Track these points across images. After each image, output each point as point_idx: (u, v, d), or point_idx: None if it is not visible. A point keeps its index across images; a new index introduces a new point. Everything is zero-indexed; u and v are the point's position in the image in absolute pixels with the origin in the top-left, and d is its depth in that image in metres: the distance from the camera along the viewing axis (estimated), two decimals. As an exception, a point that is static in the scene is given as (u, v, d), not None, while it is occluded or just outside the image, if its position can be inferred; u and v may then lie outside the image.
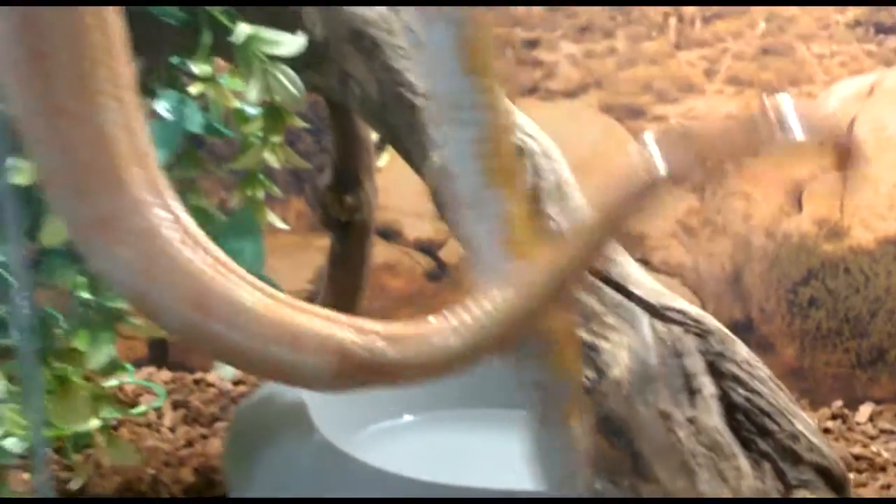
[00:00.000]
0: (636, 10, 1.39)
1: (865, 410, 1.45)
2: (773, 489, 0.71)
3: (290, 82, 0.90)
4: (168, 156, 0.81)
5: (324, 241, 1.35)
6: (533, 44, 1.42)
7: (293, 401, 1.08)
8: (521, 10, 1.41)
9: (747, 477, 0.71)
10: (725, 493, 0.70)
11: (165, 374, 1.57)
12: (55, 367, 0.91)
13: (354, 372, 0.50)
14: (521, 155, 0.85)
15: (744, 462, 0.72)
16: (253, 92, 0.87)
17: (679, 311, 0.79)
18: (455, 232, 0.66)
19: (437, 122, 0.91)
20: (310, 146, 1.43)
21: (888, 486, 1.20)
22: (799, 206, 1.43)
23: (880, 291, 1.43)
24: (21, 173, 0.83)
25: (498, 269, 0.60)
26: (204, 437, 1.34)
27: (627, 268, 0.83)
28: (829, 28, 1.37)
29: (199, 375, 1.57)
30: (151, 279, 0.46)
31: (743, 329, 1.45)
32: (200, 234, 0.47)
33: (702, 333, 0.78)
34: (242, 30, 0.86)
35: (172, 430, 1.37)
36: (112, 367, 0.92)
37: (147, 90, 0.89)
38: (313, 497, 0.96)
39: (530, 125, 0.88)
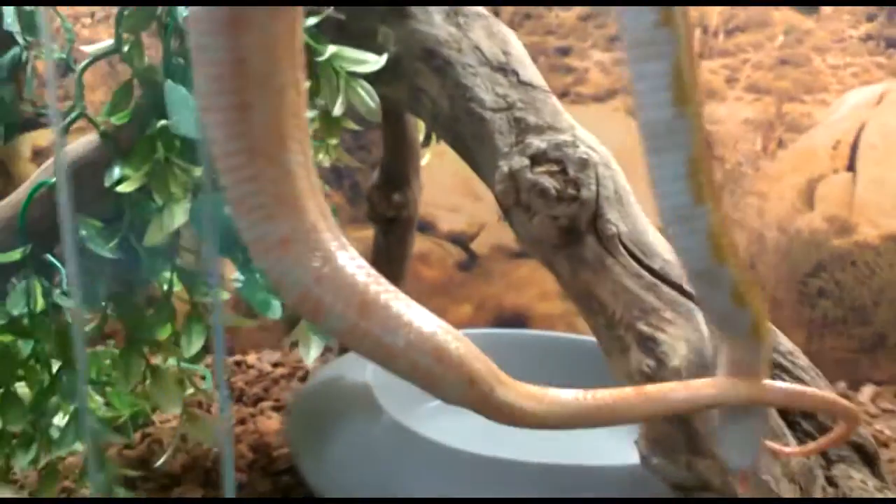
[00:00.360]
0: None
1: (867, 391, 1.50)
2: (816, 465, 0.78)
3: (368, 95, 0.96)
4: None
5: (361, 233, 1.40)
6: (565, 52, 1.46)
7: (358, 383, 1.13)
8: (554, 19, 1.44)
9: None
10: (776, 470, 0.77)
11: (207, 359, 1.64)
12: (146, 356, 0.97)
13: (476, 397, 0.57)
14: (585, 166, 0.92)
15: (792, 441, 0.78)
16: (337, 105, 0.93)
17: None
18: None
19: (503, 133, 0.98)
20: (350, 143, 1.48)
21: (891, 461, 1.25)
22: (811, 204, 1.48)
23: (883, 283, 1.48)
24: (128, 183, 0.90)
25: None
26: (252, 415, 1.38)
27: (680, 268, 0.90)
28: (843, 41, 1.41)
29: (238, 358, 1.61)
30: (323, 289, 0.53)
31: None
32: (356, 254, 0.55)
33: None
34: (328, 49, 0.92)
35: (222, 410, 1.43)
36: (200, 356, 0.99)
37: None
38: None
39: (591, 138, 0.93)
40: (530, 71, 0.97)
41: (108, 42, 0.99)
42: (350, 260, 0.54)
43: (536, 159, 0.89)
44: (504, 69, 0.95)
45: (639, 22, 0.52)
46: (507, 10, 1.41)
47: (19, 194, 0.95)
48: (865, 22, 1.40)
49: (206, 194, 0.84)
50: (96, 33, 1.53)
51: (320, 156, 1.11)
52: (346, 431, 1.05)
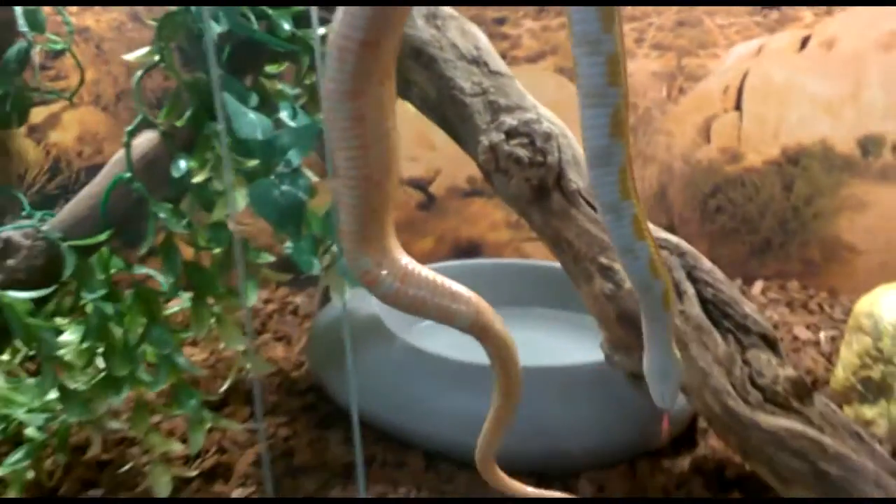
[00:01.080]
0: None
1: (758, 286, 1.73)
2: (735, 350, 1.01)
3: None
4: (308, 153, 1.06)
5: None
6: (500, 21, 1.62)
7: (367, 314, 1.32)
8: None
9: (720, 345, 1.00)
10: (708, 358, 0.99)
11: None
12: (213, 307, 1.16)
13: (480, 325, 0.79)
14: (549, 138, 1.13)
15: (717, 335, 1.00)
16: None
17: (666, 241, 1.07)
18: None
19: (481, 114, 1.17)
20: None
21: (782, 339, 1.49)
22: (707, 138, 1.69)
23: (767, 199, 1.69)
24: (199, 174, 1.08)
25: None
26: (258, 347, 1.57)
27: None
28: (728, 5, 1.60)
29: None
30: (380, 267, 0.74)
31: (669, 230, 1.69)
32: (414, 264, 0.75)
33: (681, 254, 1.05)
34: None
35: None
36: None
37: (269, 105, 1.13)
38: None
39: (550, 114, 1.13)
40: (497, 61, 1.16)
41: (144, 49, 1.14)
42: (399, 252, 0.75)
43: (510, 134, 1.09)
44: (477, 61, 1.14)
45: (587, 25, 0.64)
46: None
47: (94, 187, 1.12)
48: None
49: (263, 181, 1.03)
50: (83, 20, 1.65)
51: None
52: (365, 353, 1.23)
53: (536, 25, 1.61)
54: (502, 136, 1.09)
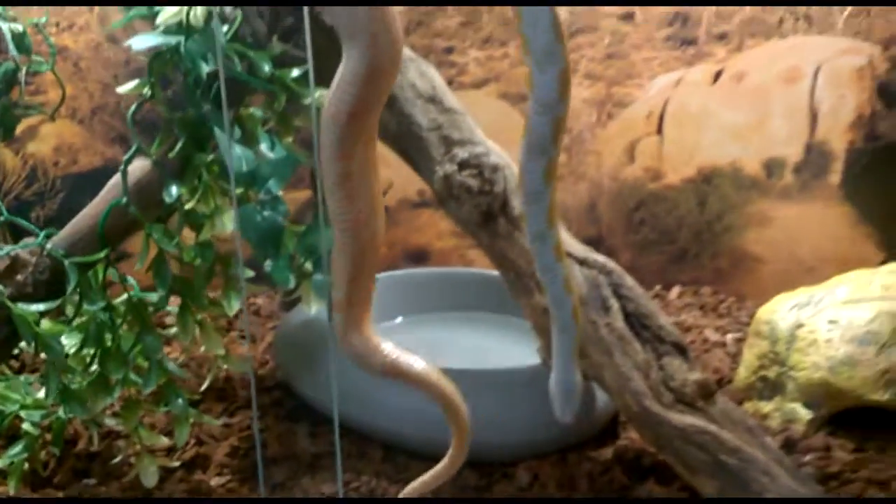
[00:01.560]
0: None
1: (675, 291, 1.87)
2: (652, 357, 1.15)
3: None
4: (284, 185, 1.18)
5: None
6: (449, 50, 1.74)
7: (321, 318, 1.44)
8: (440, 25, 1.71)
9: (639, 353, 1.13)
10: (629, 364, 1.14)
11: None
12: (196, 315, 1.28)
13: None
14: (496, 170, 1.26)
15: (636, 344, 1.14)
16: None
17: (595, 260, 1.20)
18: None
19: (436, 146, 1.30)
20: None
21: (693, 341, 1.63)
22: (632, 158, 1.82)
23: (684, 213, 1.84)
24: (189, 200, 1.20)
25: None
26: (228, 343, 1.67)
27: (565, 236, 1.26)
28: (651, 41, 1.74)
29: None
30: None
31: (597, 241, 1.86)
32: (385, 344, 0.88)
33: (608, 273, 1.19)
34: (317, 92, 1.22)
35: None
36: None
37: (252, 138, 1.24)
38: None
39: (496, 148, 1.26)
40: (451, 99, 1.29)
41: (134, 82, 1.24)
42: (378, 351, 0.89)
43: (462, 165, 1.23)
44: (433, 100, 1.27)
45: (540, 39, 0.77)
46: (403, 19, 1.70)
47: (92, 208, 1.23)
48: (666, 26, 1.73)
49: (246, 206, 1.15)
50: (62, 40, 1.74)
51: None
52: (328, 353, 1.36)
53: (482, 55, 1.74)
54: (455, 168, 1.23)
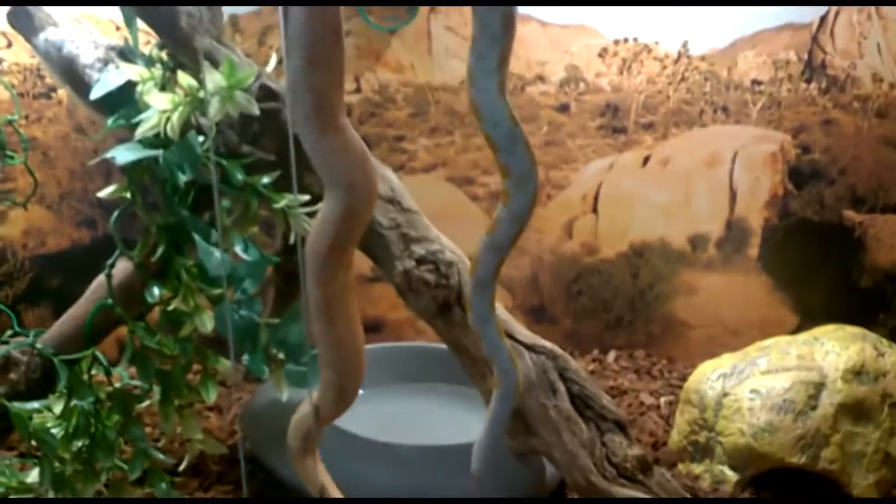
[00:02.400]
0: (469, 117, 1.84)
1: (612, 355, 1.98)
2: (595, 435, 1.26)
3: (303, 222, 1.35)
4: (258, 285, 1.26)
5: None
6: (400, 138, 1.84)
7: (299, 399, 1.51)
8: (391, 116, 1.81)
9: (584, 431, 1.23)
10: (575, 442, 1.24)
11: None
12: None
13: None
14: (451, 265, 1.35)
15: (582, 424, 1.24)
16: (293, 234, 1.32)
17: (542, 346, 1.30)
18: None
19: (395, 243, 1.39)
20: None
21: (630, 405, 1.74)
22: (570, 235, 1.93)
23: (619, 284, 1.95)
24: (171, 301, 1.27)
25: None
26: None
27: (513, 324, 1.35)
28: (585, 129, 1.85)
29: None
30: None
31: (539, 310, 1.97)
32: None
33: (554, 358, 1.29)
34: (283, 200, 1.30)
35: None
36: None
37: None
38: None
39: (450, 243, 1.35)
40: (408, 200, 1.37)
41: (113, 187, 1.31)
42: None
43: (420, 261, 1.32)
44: (392, 201, 1.36)
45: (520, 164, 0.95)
46: (356, 112, 1.79)
47: (78, 308, 1.30)
48: (599, 116, 1.85)
49: (223, 306, 1.23)
50: (32, 131, 1.80)
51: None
52: None
53: (430, 142, 1.84)
54: (413, 263, 1.31)
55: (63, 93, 1.76)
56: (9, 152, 1.59)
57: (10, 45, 1.74)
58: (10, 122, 1.58)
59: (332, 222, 0.91)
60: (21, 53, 1.73)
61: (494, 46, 0.88)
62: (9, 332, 1.56)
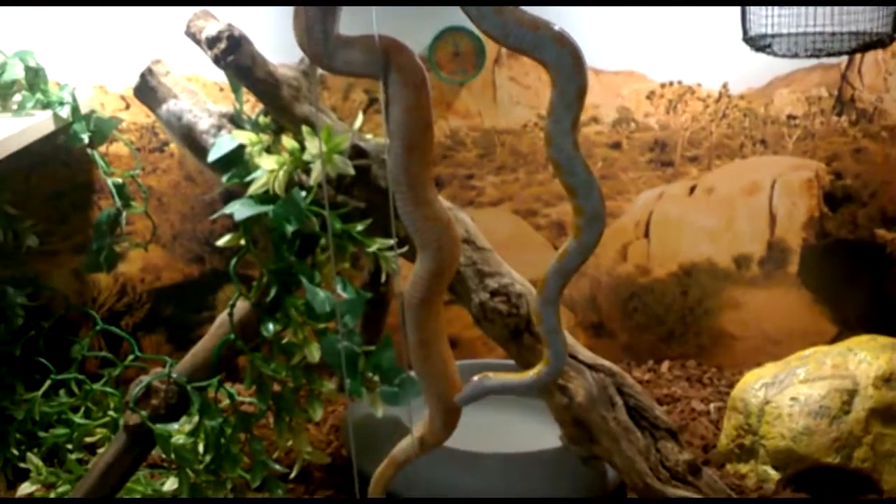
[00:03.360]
0: (530, 155, 1.97)
1: (665, 365, 2.09)
2: (650, 443, 1.41)
3: (390, 261, 1.51)
4: (356, 319, 1.42)
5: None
6: (470, 177, 1.99)
7: (391, 415, 1.63)
8: (461, 157, 1.96)
9: (640, 440, 1.37)
10: (633, 450, 1.39)
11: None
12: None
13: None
14: (520, 296, 1.51)
15: (638, 433, 1.38)
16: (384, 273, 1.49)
17: (602, 365, 1.44)
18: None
19: (472, 279, 1.55)
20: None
21: (682, 411, 1.87)
22: (625, 258, 2.06)
23: (670, 301, 2.07)
24: (286, 334, 1.45)
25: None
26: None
27: (576, 346, 1.49)
28: (636, 164, 1.98)
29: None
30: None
31: (598, 326, 2.09)
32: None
33: (612, 374, 1.43)
34: (376, 244, 1.46)
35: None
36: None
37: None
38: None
39: (519, 276, 1.49)
40: (481, 239, 1.51)
41: (230, 235, 1.49)
42: None
43: (493, 293, 1.46)
44: (468, 241, 1.50)
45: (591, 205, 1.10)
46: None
47: (205, 342, 1.48)
48: (648, 152, 1.98)
49: (328, 337, 1.40)
50: (147, 180, 2.00)
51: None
52: (389, 443, 1.60)
53: (497, 179, 2.00)
54: (488, 296, 1.46)
55: (174, 146, 1.96)
56: (133, 203, 1.81)
57: (128, 106, 1.94)
58: (131, 176, 1.80)
59: (423, 279, 1.08)
60: (137, 114, 1.92)
61: (569, 111, 1.02)
62: (131, 357, 1.78)
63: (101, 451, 1.58)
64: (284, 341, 1.43)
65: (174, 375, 1.44)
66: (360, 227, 1.46)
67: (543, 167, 2.00)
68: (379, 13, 1.03)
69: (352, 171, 1.42)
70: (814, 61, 1.87)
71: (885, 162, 1.99)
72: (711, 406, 1.90)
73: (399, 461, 1.28)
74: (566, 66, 0.99)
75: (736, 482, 1.62)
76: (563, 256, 1.16)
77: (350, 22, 1.03)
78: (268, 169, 1.45)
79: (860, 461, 1.57)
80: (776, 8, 1.44)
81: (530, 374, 1.23)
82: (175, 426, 1.39)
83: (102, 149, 1.85)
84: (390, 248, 1.46)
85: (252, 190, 1.45)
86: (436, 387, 1.13)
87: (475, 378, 1.20)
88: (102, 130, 1.80)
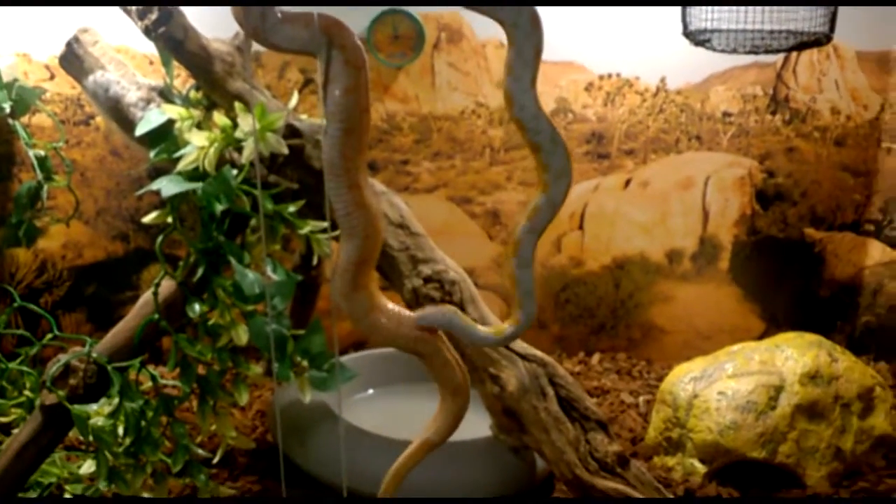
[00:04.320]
0: (467, 143, 1.97)
1: (596, 357, 2.11)
2: (580, 433, 1.41)
3: (323, 244, 1.48)
4: (286, 302, 1.39)
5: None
6: (405, 162, 1.97)
7: (317, 400, 1.58)
8: (397, 142, 1.94)
9: (570, 430, 1.38)
10: (563, 440, 1.39)
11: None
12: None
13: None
14: (454, 283, 1.50)
15: (568, 424, 1.39)
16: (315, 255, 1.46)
17: (534, 355, 1.45)
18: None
19: (405, 264, 1.53)
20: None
21: (612, 403, 1.88)
22: (559, 249, 2.07)
23: (602, 294, 2.09)
24: (211, 315, 1.42)
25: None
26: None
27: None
28: (573, 155, 1.91)
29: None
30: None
31: None
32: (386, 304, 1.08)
33: (544, 365, 1.44)
34: (307, 226, 1.44)
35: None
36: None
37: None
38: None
39: (453, 263, 1.48)
40: (416, 225, 1.50)
41: (156, 213, 1.45)
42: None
43: (426, 280, 1.46)
44: (401, 226, 1.49)
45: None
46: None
47: (127, 322, 1.43)
48: (585, 143, 1.99)
49: (257, 319, 1.37)
50: (71, 154, 1.93)
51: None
52: (317, 430, 1.57)
53: (432, 166, 1.98)
54: (421, 282, 1.46)
55: (100, 119, 1.90)
56: (56, 177, 1.74)
57: (52, 77, 1.87)
58: (54, 148, 1.73)
59: (348, 271, 1.05)
60: (63, 84, 1.86)
61: (528, 68, 0.99)
62: (49, 336, 1.72)
63: (15, 431, 1.52)
64: (211, 323, 1.39)
65: (94, 355, 1.39)
66: (292, 209, 1.43)
67: (480, 155, 2.00)
68: (312, -6, 1.00)
69: (285, 151, 1.38)
70: (750, 59, 1.89)
71: (817, 162, 2.02)
72: (640, 399, 1.91)
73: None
74: (524, 23, 0.98)
75: (663, 475, 1.63)
76: (533, 214, 1.11)
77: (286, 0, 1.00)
78: (198, 145, 1.41)
79: (785, 456, 1.60)
80: (717, 4, 1.44)
81: (492, 332, 1.18)
82: (94, 407, 1.34)
83: (24, 119, 1.77)
84: (323, 231, 1.44)
85: (181, 166, 1.41)
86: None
87: (446, 308, 1.16)
88: (25, 100, 1.72)
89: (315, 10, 0.98)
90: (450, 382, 1.13)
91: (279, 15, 0.96)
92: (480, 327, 1.16)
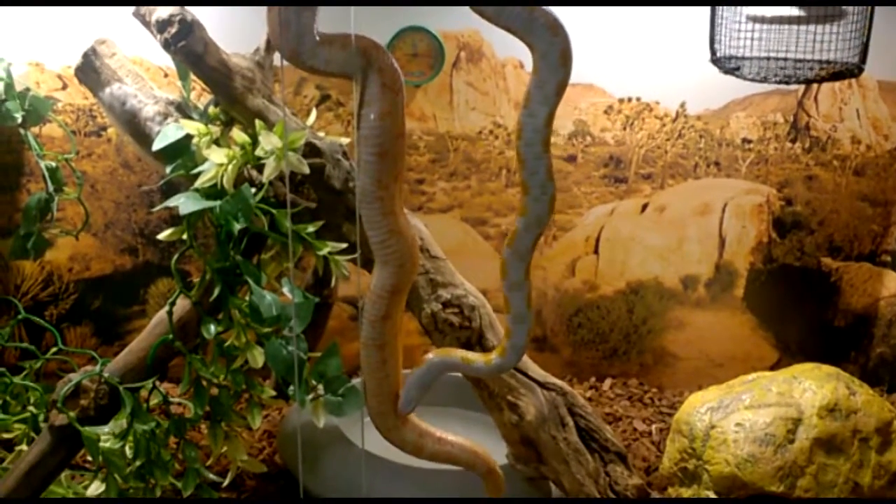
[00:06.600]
0: (484, 163, 1.93)
1: (608, 382, 2.08)
2: (599, 465, 1.39)
3: (340, 266, 1.45)
4: (305, 325, 1.36)
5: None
6: (421, 181, 1.94)
7: (330, 424, 1.54)
8: (413, 161, 1.91)
9: (590, 462, 1.37)
10: (582, 472, 1.37)
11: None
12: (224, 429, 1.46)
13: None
14: (473, 309, 1.46)
15: (588, 455, 1.38)
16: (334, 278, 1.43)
17: (553, 384, 1.43)
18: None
19: (424, 288, 1.50)
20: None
21: (625, 431, 1.85)
22: (573, 273, 2.04)
23: (615, 319, 2.06)
24: (228, 336, 1.38)
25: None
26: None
27: (528, 363, 1.47)
28: (590, 178, 1.96)
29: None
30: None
31: (542, 340, 2.07)
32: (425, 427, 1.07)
33: (564, 394, 1.42)
34: (326, 248, 1.40)
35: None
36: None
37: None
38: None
39: (472, 288, 1.44)
40: (435, 248, 1.48)
41: (171, 230, 1.42)
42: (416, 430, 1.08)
43: (445, 304, 1.43)
44: (422, 249, 1.46)
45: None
46: None
47: (140, 342, 1.40)
48: (603, 167, 1.96)
49: (273, 342, 1.34)
50: (81, 165, 1.90)
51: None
52: (330, 455, 1.54)
53: (448, 186, 1.96)
54: (440, 306, 1.43)
55: (112, 131, 1.87)
56: (67, 189, 1.71)
57: (65, 87, 1.84)
58: (65, 160, 1.70)
59: (383, 297, 1.03)
60: (75, 94, 1.83)
61: (545, 106, 0.95)
62: (53, 349, 1.69)
63: (19, 448, 1.49)
64: (226, 344, 1.36)
65: (106, 375, 1.36)
66: (311, 229, 1.40)
67: (496, 176, 1.97)
68: (334, 11, 0.97)
69: (307, 170, 1.36)
70: (772, 87, 1.87)
71: (836, 191, 2.00)
72: (653, 427, 1.88)
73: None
74: (553, 56, 0.94)
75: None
76: (513, 239, 1.06)
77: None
78: (216, 162, 1.38)
79: (803, 490, 1.57)
80: (748, 30, 1.41)
81: (481, 361, 1.14)
82: (105, 429, 1.31)
83: (35, 129, 1.75)
84: (341, 252, 1.41)
85: (199, 183, 1.38)
86: (384, 405, 1.07)
87: (430, 360, 1.13)
88: (38, 110, 1.69)
89: (353, 26, 0.96)
90: None
91: (317, 37, 0.93)
92: (472, 356, 1.13)
